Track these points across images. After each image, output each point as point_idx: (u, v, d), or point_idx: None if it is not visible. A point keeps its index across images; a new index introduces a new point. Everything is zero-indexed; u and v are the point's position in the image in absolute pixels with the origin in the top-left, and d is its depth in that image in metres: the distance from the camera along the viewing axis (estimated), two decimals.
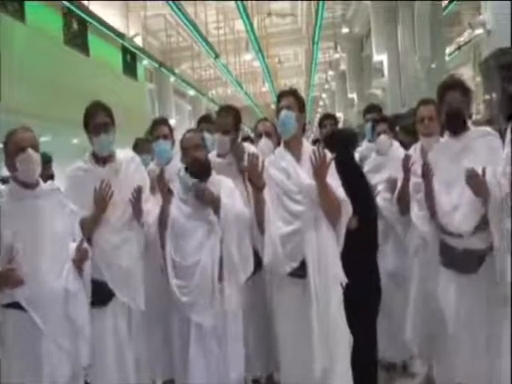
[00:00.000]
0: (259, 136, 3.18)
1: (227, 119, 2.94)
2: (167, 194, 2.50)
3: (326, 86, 23.97)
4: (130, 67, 13.06)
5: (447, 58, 11.45)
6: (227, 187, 2.53)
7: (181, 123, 18.14)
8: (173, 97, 18.13)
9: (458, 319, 2.45)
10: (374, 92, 13.94)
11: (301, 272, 2.40)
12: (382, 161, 3.27)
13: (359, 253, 2.61)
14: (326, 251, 2.42)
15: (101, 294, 2.38)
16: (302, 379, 2.37)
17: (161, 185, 2.51)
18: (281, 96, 2.60)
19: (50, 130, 7.77)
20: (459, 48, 14.31)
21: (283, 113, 2.53)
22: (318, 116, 29.80)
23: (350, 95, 18.87)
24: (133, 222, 2.52)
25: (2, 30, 7.13)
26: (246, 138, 4.45)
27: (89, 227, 2.41)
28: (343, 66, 19.97)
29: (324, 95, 26.84)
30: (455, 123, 2.50)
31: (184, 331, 2.44)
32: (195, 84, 19.30)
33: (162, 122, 3.14)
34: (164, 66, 15.51)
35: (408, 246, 2.95)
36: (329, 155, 2.38)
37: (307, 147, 2.54)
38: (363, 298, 2.63)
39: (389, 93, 12.47)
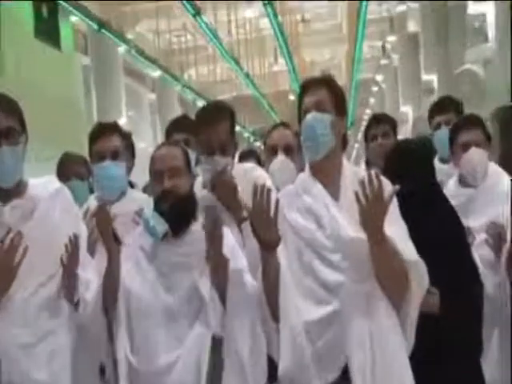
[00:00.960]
0: (272, 152, 3.18)
1: (219, 129, 2.83)
2: (114, 244, 2.42)
3: (384, 62, 22.81)
4: (46, 28, 10.51)
5: None
6: (225, 243, 2.47)
7: (137, 124, 17.98)
8: (123, 79, 16.79)
9: None
10: (471, 68, 12.45)
11: None
12: (472, 196, 3.11)
13: (448, 357, 2.58)
14: (384, 349, 2.31)
15: None
16: None
17: (103, 229, 2.41)
18: (306, 87, 2.54)
19: None
20: None
21: (310, 117, 2.46)
22: (369, 111, 29.81)
23: (425, 76, 17.00)
24: (59, 302, 2.40)
25: None
26: (248, 154, 4.39)
27: None
28: (413, 25, 18.65)
29: (379, 77, 25.54)
30: None
31: None
32: (161, 59, 18.71)
33: (107, 128, 3.03)
34: (108, 27, 13.92)
35: None
36: (388, 187, 2.32)
37: (350, 174, 2.49)
38: None
39: (495, 70, 10.86)
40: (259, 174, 2.91)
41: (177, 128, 3.49)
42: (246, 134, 26.38)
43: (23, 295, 2.31)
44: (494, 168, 3.21)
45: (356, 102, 25.88)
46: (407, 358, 2.37)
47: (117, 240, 2.48)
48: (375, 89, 26.65)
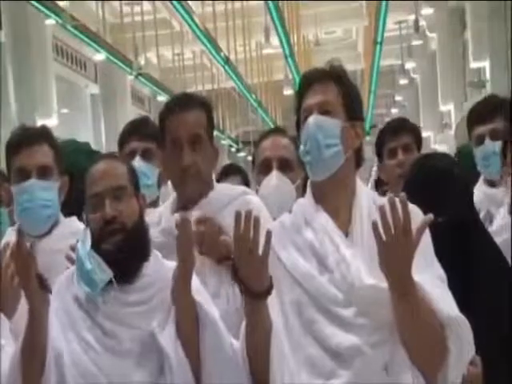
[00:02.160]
0: (264, 168, 3.27)
1: (191, 121, 2.90)
2: (40, 293, 2.45)
3: (416, 43, 22.29)
4: None
5: None
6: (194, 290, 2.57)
7: (73, 125, 17.84)
8: (52, 63, 16.70)
9: None
10: None
11: None
12: None
13: None
14: None
15: None
16: None
17: (22, 275, 2.46)
18: (307, 82, 2.61)
19: None
20: None
21: (313, 122, 2.52)
22: (395, 111, 30.06)
23: (474, 63, 17.17)
24: None
25: None
26: (232, 170, 4.61)
27: None
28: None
29: (410, 64, 25.13)
30: None
31: None
32: (107, 36, 18.50)
33: (33, 135, 3.10)
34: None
35: None
36: (418, 216, 2.38)
37: (367, 200, 2.56)
38: None
39: None
40: (253, 201, 2.91)
41: (138, 132, 3.55)
42: (226, 142, 26.44)
43: None
44: None
45: (376, 100, 25.96)
46: None
47: (44, 287, 2.49)
48: (404, 81, 26.24)
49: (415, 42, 22.47)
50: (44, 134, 3.13)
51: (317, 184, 2.55)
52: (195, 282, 2.51)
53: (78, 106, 19.68)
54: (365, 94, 24.72)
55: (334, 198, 2.53)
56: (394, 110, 28.14)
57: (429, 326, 2.35)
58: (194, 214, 2.72)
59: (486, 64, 14.61)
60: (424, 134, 20.40)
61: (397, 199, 2.29)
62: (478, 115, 3.83)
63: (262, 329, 2.39)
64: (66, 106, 17.68)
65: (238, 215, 2.35)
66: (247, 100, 23.32)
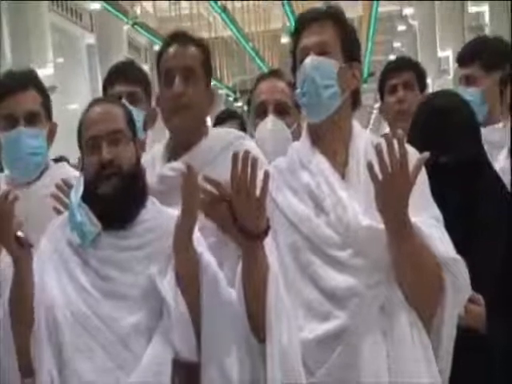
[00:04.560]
0: (260, 112, 3.24)
1: (187, 59, 2.85)
2: (23, 248, 2.44)
3: (407, 12, 23.34)
4: None
5: None
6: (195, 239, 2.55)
7: (70, 75, 17.86)
8: (48, 13, 16.85)
9: None
10: None
11: None
12: None
13: None
14: (407, 375, 2.36)
15: None
16: None
17: (2, 230, 2.44)
18: (303, 24, 2.60)
19: None
20: None
21: (309, 63, 2.50)
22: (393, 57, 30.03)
23: (473, 7, 17.58)
24: None
25: None
26: (228, 116, 4.56)
27: None
28: None
29: (409, 10, 25.30)
30: None
31: None
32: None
33: (19, 81, 3.07)
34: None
35: None
36: (414, 155, 2.36)
37: (364, 142, 2.54)
38: None
39: None
40: (249, 146, 2.83)
41: (123, 76, 3.50)
42: (224, 91, 26.42)
43: None
44: None
45: (374, 47, 26.00)
46: None
47: (23, 245, 2.48)
48: (403, 27, 26.69)
49: None
50: (31, 79, 3.10)
51: (313, 126, 2.55)
52: (195, 231, 2.50)
53: (75, 55, 19.61)
54: (363, 40, 24.79)
55: (330, 140, 2.52)
56: (392, 57, 28.16)
57: (425, 266, 2.36)
58: (179, 166, 2.65)
59: (485, 8, 14.64)
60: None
61: (394, 137, 2.28)
62: (458, 59, 3.88)
63: (258, 271, 2.39)
64: (63, 56, 17.62)
65: (234, 156, 2.33)
66: (244, 49, 23.28)
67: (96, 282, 2.51)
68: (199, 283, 2.47)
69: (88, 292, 2.50)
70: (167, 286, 2.46)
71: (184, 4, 22.84)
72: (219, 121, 4.75)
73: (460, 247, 2.44)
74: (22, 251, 2.46)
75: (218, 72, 25.05)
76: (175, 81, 2.81)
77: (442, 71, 19.50)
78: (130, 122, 2.63)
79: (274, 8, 23.64)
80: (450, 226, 2.49)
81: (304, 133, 2.62)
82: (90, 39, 20.71)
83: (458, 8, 18.00)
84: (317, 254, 2.43)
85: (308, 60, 2.48)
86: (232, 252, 2.49)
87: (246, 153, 2.33)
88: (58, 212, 2.72)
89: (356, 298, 2.37)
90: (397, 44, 28.50)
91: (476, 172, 2.84)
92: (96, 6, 17.75)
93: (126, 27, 19.75)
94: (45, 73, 13.10)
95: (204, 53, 2.91)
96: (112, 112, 2.60)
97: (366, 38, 24.17)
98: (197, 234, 2.50)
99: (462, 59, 3.79)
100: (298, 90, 2.54)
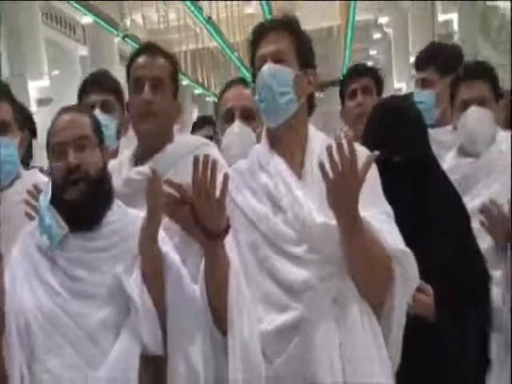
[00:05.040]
0: (227, 118, 3.28)
1: (158, 75, 2.89)
2: None
3: (382, 21, 23.34)
4: None
5: None
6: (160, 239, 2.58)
7: (64, 86, 17.25)
8: (40, 25, 16.50)
9: None
10: (497, 5, 13.13)
11: None
12: (473, 169, 3.23)
13: (446, 373, 2.69)
14: (360, 374, 2.40)
15: None
16: None
17: None
18: (261, 33, 2.63)
19: None
20: None
21: (266, 71, 2.54)
22: (370, 64, 30.20)
23: (442, 15, 17.49)
24: None
25: None
26: (203, 122, 4.64)
27: None
28: None
29: (383, 19, 25.25)
30: None
31: None
32: None
33: None
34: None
35: None
36: (363, 153, 2.39)
37: (319, 145, 2.55)
38: None
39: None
40: (211, 152, 2.82)
41: (98, 84, 3.50)
42: (211, 98, 26.43)
43: None
44: (502, 135, 3.31)
45: (351, 55, 25.99)
46: (391, 371, 2.45)
47: None
48: (378, 35, 26.50)
49: None
50: (2, 92, 3.10)
51: (271, 130, 2.58)
52: (160, 231, 2.53)
53: (69, 67, 19.30)
54: (341, 49, 24.96)
55: (287, 143, 2.55)
56: (369, 64, 28.33)
57: (376, 259, 2.39)
58: (144, 170, 2.67)
59: (453, 16, 14.55)
60: (396, 86, 20.61)
61: (343, 139, 2.31)
62: (415, 63, 3.92)
63: (219, 268, 2.42)
64: (58, 68, 17.49)
65: (195, 160, 2.36)
66: (230, 58, 23.31)
67: (65, 282, 2.52)
68: (164, 280, 2.49)
69: (57, 292, 2.51)
70: (133, 283, 2.48)
71: (172, 16, 22.89)
72: (197, 126, 4.76)
73: (410, 240, 2.46)
74: None
75: (206, 81, 25.03)
76: (144, 89, 2.84)
77: (412, 76, 19.66)
78: (97, 129, 2.64)
79: (256, 18, 23.71)
80: (401, 221, 2.51)
81: (263, 136, 2.65)
82: (83, 51, 20.50)
83: (428, 17, 18.14)
84: (275, 250, 2.46)
85: (265, 68, 2.51)
86: (195, 251, 2.52)
87: (206, 157, 2.36)
88: (30, 217, 2.73)
89: (311, 291, 2.39)
90: (373, 52, 28.38)
91: (425, 170, 2.87)
92: (88, 19, 17.64)
93: (117, 39, 19.66)
94: (41, 85, 13.29)
95: (172, 64, 2.95)
96: (78, 119, 2.61)
97: (343, 46, 24.49)
98: (162, 234, 2.53)
99: (419, 63, 3.82)
100: (257, 97, 2.56)
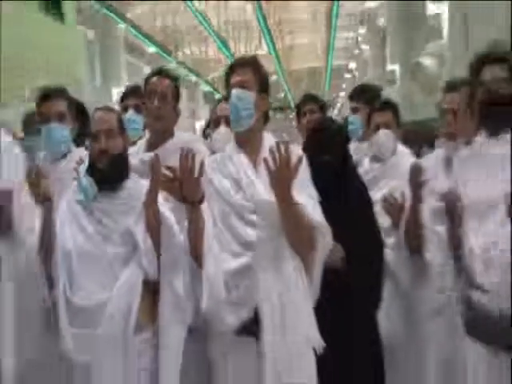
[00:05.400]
0: (216, 123, 3.35)
1: (164, 92, 3.07)
2: (47, 199, 2.57)
3: (356, 52, 23.55)
4: (50, 4, 11.98)
5: None
6: (160, 203, 2.61)
7: None
8: (123, 54, 18.17)
9: None
10: (425, 62, 13.37)
11: (253, 328, 2.48)
12: (380, 171, 3.33)
13: (348, 307, 2.75)
14: (290, 299, 2.48)
15: None
16: None
17: (33, 187, 2.56)
18: (232, 68, 2.68)
19: None
20: None
21: (234, 93, 2.60)
22: (343, 94, 29.99)
23: (390, 66, 18.05)
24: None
25: None
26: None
27: None
28: (382, 21, 19.53)
29: (352, 65, 26.24)
30: (495, 116, 2.36)
31: None
32: (157, 37, 19.32)
33: (53, 94, 3.12)
34: (109, 6, 15.32)
35: (419, 302, 3.03)
36: (296, 153, 2.44)
37: (268, 144, 2.56)
38: (353, 379, 2.76)
39: (450, 64, 11.56)
40: (197, 146, 2.91)
41: (133, 95, 3.62)
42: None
43: None
44: (402, 148, 3.42)
45: (331, 87, 26.60)
46: (311, 307, 2.54)
47: (48, 199, 2.59)
48: (348, 76, 26.88)
49: (355, 51, 23.01)
50: (62, 92, 3.15)
51: (238, 133, 2.66)
52: (160, 199, 2.58)
53: (139, 81, 20.18)
54: (322, 84, 25.01)
55: (248, 143, 2.63)
56: (342, 94, 28.13)
57: (303, 227, 2.47)
58: (151, 156, 2.69)
59: (396, 67, 14.45)
60: None
61: (281, 143, 2.39)
62: (349, 96, 3.93)
63: (198, 225, 2.49)
64: (131, 81, 17.81)
65: (182, 151, 2.45)
66: None
67: (94, 226, 2.58)
68: (160, 229, 2.55)
69: (89, 233, 2.58)
70: (139, 230, 2.53)
71: (210, 51, 23.06)
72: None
73: (328, 216, 2.56)
74: (49, 205, 2.60)
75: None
76: (155, 100, 2.98)
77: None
78: (120, 122, 2.67)
79: (264, 58, 24.05)
80: (324, 203, 2.60)
81: (232, 137, 2.72)
82: (148, 70, 21.42)
83: (382, 65, 18.06)
84: (237, 216, 2.54)
85: (234, 92, 2.59)
86: (183, 213, 2.55)
87: (189, 150, 2.44)
88: (75, 179, 2.72)
89: (260, 246, 2.50)
90: (343, 86, 28.53)
91: (344, 170, 2.94)
92: (152, 49, 18.68)
93: (172, 64, 20.46)
94: (119, 90, 13.52)
95: (175, 85, 3.06)
96: (107, 116, 2.67)
97: (324, 84, 24.51)
98: (161, 201, 2.57)
99: (352, 96, 3.85)
100: (230, 112, 2.64)
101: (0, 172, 2.63)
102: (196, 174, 2.43)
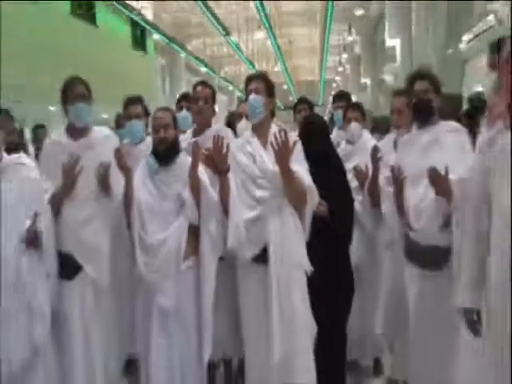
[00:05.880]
0: (239, 117, 3.24)
1: (206, 95, 3.03)
2: (128, 170, 2.51)
3: (340, 69, 23.89)
4: (139, 40, 13.73)
5: (464, 46, 10.62)
6: (200, 172, 2.55)
7: None
8: (184, 73, 18.48)
9: (417, 316, 2.46)
10: (385, 78, 13.76)
11: (263, 258, 2.43)
12: (352, 150, 3.25)
13: (330, 243, 2.66)
14: (289, 238, 2.44)
15: (68, 267, 2.47)
16: (262, 369, 2.41)
17: (119, 161, 2.51)
18: (249, 80, 2.63)
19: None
20: (476, 36, 13.60)
21: (251, 97, 2.56)
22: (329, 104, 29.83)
23: (363, 79, 18.84)
24: (101, 198, 2.54)
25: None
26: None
27: (57, 201, 2.45)
28: (358, 50, 19.91)
29: (338, 78, 26.71)
30: (422, 115, 2.47)
31: (148, 310, 2.50)
32: (207, 61, 19.46)
33: (134, 101, 3.11)
34: (175, 40, 15.64)
35: (377, 239, 2.99)
36: (293, 138, 2.40)
37: (274, 131, 2.52)
38: (333, 293, 2.66)
39: (400, 79, 12.21)
40: (225, 132, 2.90)
41: (185, 99, 3.56)
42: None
43: (83, 191, 2.51)
44: (366, 134, 3.35)
45: (324, 93, 26.79)
46: (304, 242, 2.51)
47: (127, 170, 2.55)
48: (334, 85, 27.07)
49: (340, 69, 23.06)
50: (138, 100, 3.14)
51: (253, 124, 2.62)
52: (201, 169, 2.53)
53: None
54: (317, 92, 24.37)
55: (260, 131, 2.59)
56: (330, 97, 28.45)
57: (298, 188, 2.47)
58: (194, 140, 2.67)
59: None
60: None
61: (282, 130, 2.40)
62: (333, 98, 3.84)
63: (225, 187, 2.50)
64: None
65: (214, 137, 2.49)
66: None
67: (157, 189, 2.57)
68: (200, 192, 2.52)
69: (153, 194, 2.56)
70: (186, 193, 2.53)
71: (242, 70, 22.47)
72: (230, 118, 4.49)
73: (316, 183, 2.53)
74: (130, 172, 2.56)
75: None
76: (199, 102, 2.94)
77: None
78: (174, 119, 2.62)
79: (278, 73, 23.59)
80: (314, 174, 2.56)
81: (249, 127, 2.68)
82: None
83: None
84: (252, 181, 2.53)
85: (251, 96, 2.57)
86: (216, 180, 2.56)
87: (219, 136, 2.46)
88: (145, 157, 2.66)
89: (269, 201, 2.48)
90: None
91: (327, 150, 2.87)
92: (204, 69, 19.19)
93: (217, 79, 20.80)
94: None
95: (212, 90, 3.01)
96: (164, 114, 2.62)
97: (320, 89, 24.27)
98: (202, 171, 2.53)
99: (336, 98, 3.76)
100: (247, 109, 2.63)
101: (105, 152, 2.58)
102: (224, 152, 2.44)
